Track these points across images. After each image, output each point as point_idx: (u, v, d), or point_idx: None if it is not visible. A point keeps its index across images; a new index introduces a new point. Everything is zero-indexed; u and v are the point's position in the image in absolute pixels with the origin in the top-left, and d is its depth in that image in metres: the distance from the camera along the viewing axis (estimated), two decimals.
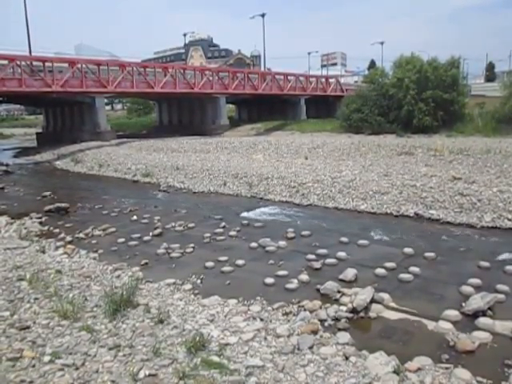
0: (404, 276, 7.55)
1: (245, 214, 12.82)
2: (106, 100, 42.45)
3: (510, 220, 10.59)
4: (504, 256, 8.42)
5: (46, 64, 29.59)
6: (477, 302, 6.23)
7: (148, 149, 28.61)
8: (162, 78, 35.02)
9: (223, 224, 11.43)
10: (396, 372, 4.70)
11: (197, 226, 11.46)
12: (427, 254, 8.65)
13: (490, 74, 68.24)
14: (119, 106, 76.80)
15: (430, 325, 5.92)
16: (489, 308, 6.18)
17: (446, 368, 4.89)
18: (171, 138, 34.36)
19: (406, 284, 7.35)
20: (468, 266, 8.09)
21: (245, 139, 30.01)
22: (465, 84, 34.54)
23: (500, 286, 6.96)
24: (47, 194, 16.46)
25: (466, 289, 6.92)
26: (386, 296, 6.67)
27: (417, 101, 29.48)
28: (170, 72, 35.67)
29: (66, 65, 30.93)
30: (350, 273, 7.57)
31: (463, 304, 6.40)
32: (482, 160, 18.23)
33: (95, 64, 31.96)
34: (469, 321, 6.01)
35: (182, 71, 37.07)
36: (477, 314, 6.07)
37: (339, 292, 6.85)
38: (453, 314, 6.11)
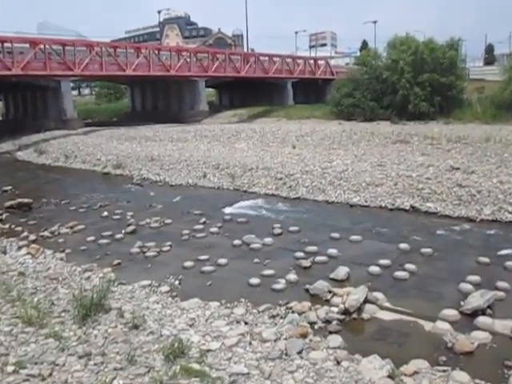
0: (399, 274, 7.66)
1: (227, 209, 12.82)
2: (72, 84, 41.87)
3: (510, 213, 10.79)
4: (504, 251, 8.57)
5: (5, 45, 28.97)
6: (476, 300, 6.34)
7: (119, 138, 28.30)
8: (134, 60, 34.58)
9: (203, 220, 11.43)
10: (391, 376, 4.76)
11: (174, 222, 11.44)
12: (424, 250, 8.78)
13: (490, 57, 69.05)
14: (87, 91, 75.70)
15: (427, 325, 6.02)
16: (488, 306, 6.29)
17: (444, 371, 4.97)
18: (145, 125, 34.04)
19: (401, 282, 7.46)
20: (467, 262, 8.24)
21: (226, 127, 29.91)
22: (463, 67, 34.93)
23: (500, 283, 7.10)
24: (8, 188, 16.19)
25: (465, 286, 7.04)
26: (380, 295, 6.76)
27: (412, 85, 29.72)
28: (143, 53, 35.25)
29: (27, 45, 30.30)
30: (341, 271, 7.64)
31: (462, 303, 6.51)
32: (482, 149, 18.52)
33: (60, 44, 31.39)
34: (468, 320, 6.12)
35: (156, 52, 36.65)
36: (476, 313, 6.18)
37: (330, 292, 6.91)
38: (451, 313, 6.22)
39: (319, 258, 8.52)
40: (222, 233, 10.53)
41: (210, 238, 10.23)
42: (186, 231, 10.51)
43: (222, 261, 8.56)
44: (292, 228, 10.57)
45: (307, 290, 7.10)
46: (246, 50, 62.45)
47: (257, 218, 11.82)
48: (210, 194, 14.88)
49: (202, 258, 8.75)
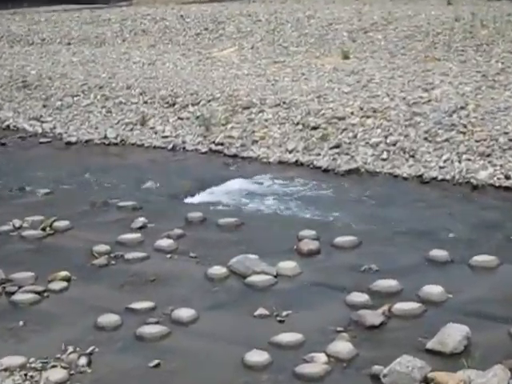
0: None
1: (194, 197, 12.98)
2: None
3: None
4: None
5: None
6: None
7: None
8: None
9: (141, 221, 11.48)
10: None
11: (76, 227, 11.52)
12: None
13: None
14: None
15: None
16: None
17: None
18: (10, 10, 33.92)
19: None
20: None
21: (192, 10, 29.78)
22: None
23: None
24: None
25: None
26: None
27: None
28: None
29: None
30: (452, 335, 7.62)
31: None
32: None
33: None
34: None
35: None
36: None
37: (427, 382, 6.91)
38: None
39: (402, 306, 8.46)
40: (184, 250, 10.54)
41: (155, 261, 10.25)
42: (104, 247, 10.51)
43: (185, 313, 8.50)
44: (341, 239, 10.57)
45: (376, 377, 7.11)
46: None
47: (261, 218, 11.91)
48: (156, 164, 15.04)
49: (140, 306, 8.71)
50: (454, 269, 9.60)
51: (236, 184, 13.48)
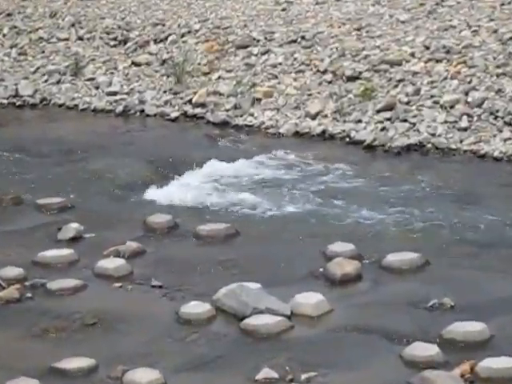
0: None
1: (158, 192, 13.06)
2: None
3: None
4: None
5: None
6: None
7: None
8: None
9: (74, 228, 11.55)
10: None
11: None
12: None
13: None
14: None
15: None
16: None
17: None
18: None
19: None
20: None
21: None
22: None
23: None
24: None
25: None
26: None
27: None
28: None
29: None
30: None
31: None
32: None
33: None
34: None
35: None
36: None
37: None
38: None
39: (492, 364, 8.42)
40: (143, 275, 10.66)
41: (97, 292, 10.32)
42: (14, 270, 10.58)
43: (144, 376, 8.45)
44: (395, 257, 10.62)
45: None
46: None
47: (266, 223, 11.99)
48: (97, 137, 15.17)
49: (72, 365, 8.71)
50: None
51: (226, 169, 13.44)
